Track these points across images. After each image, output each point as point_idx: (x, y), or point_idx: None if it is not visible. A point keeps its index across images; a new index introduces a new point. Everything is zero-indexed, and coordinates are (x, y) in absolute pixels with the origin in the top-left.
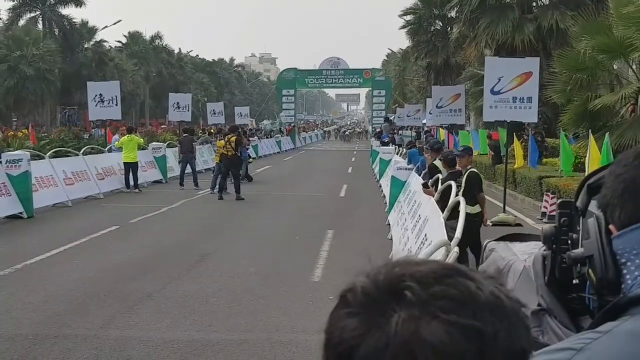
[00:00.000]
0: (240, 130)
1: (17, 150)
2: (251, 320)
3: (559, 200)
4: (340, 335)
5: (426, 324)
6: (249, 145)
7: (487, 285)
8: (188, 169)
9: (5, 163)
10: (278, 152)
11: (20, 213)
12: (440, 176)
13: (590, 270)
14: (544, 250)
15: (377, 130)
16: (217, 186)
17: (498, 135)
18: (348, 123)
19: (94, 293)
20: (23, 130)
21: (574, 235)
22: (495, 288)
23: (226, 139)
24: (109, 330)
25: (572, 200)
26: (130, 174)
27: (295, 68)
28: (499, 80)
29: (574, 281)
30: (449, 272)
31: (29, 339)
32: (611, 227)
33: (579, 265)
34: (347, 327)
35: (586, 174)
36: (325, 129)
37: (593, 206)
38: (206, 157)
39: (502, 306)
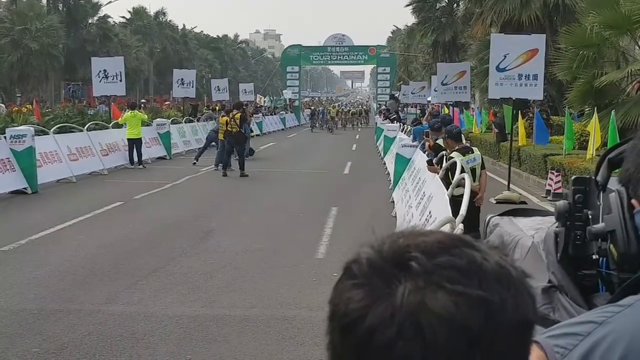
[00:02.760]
0: (244, 107)
1: (21, 125)
2: (255, 296)
3: (573, 177)
4: (345, 307)
5: (432, 294)
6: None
7: (492, 256)
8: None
9: (10, 138)
10: (282, 129)
11: (25, 188)
12: (445, 153)
13: (611, 246)
14: (557, 227)
15: (381, 107)
16: (221, 163)
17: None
18: (332, 99)
19: (98, 268)
20: (27, 106)
21: (589, 212)
22: (501, 258)
23: (230, 116)
24: (113, 306)
25: (587, 176)
26: (135, 150)
27: (300, 44)
28: (505, 57)
29: (594, 257)
30: (454, 242)
31: (34, 314)
32: (633, 201)
33: (599, 240)
34: (352, 299)
35: (589, 152)
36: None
37: (613, 182)
38: (200, 135)
39: (509, 276)
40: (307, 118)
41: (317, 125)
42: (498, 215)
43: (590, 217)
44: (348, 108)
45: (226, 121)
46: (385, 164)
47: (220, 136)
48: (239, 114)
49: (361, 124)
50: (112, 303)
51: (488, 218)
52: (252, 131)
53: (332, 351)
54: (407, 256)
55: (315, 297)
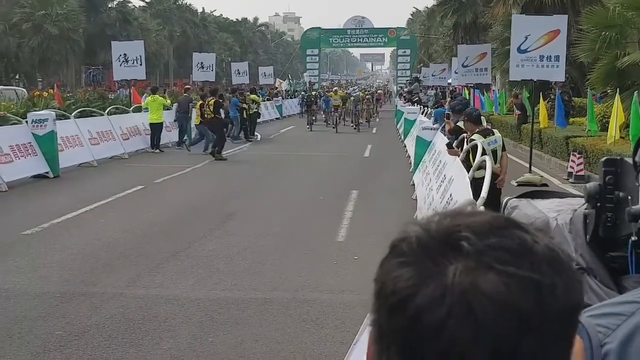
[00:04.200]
0: (222, 94)
1: (42, 110)
2: (276, 279)
3: (604, 158)
4: (393, 285)
5: (483, 275)
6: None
7: (542, 238)
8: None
9: (31, 123)
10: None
11: (47, 173)
12: (465, 136)
13: None
14: (586, 209)
15: (402, 90)
16: (205, 146)
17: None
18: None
19: (120, 252)
20: (48, 90)
21: (620, 193)
22: (550, 241)
23: (205, 102)
24: (135, 289)
25: (617, 157)
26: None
27: (320, 27)
28: (526, 38)
29: (632, 238)
30: (504, 223)
31: (57, 297)
32: None
33: (639, 221)
34: (400, 277)
35: (611, 134)
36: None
37: None
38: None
39: (559, 259)
40: (299, 106)
41: (315, 119)
42: (516, 197)
43: (623, 198)
44: (372, 89)
45: (200, 106)
46: (405, 146)
47: (197, 121)
48: (213, 100)
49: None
50: (134, 286)
51: (506, 200)
52: (259, 114)
53: (377, 329)
54: (457, 236)
55: (336, 280)
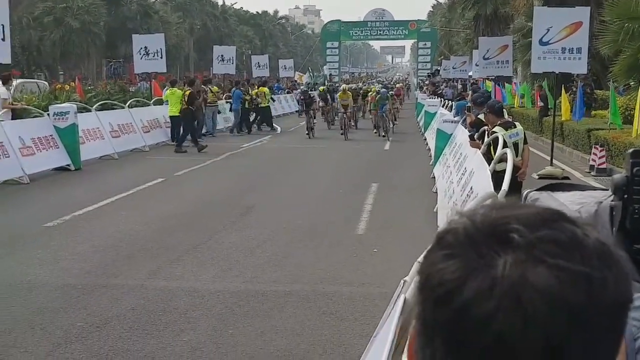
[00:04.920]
0: (204, 86)
1: (64, 103)
2: (296, 272)
3: (631, 149)
4: (439, 278)
5: (533, 268)
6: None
7: (592, 232)
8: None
9: (53, 115)
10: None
11: (68, 165)
12: (487, 128)
13: None
14: (613, 201)
15: (424, 82)
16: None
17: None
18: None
19: (141, 244)
20: (70, 83)
21: None
22: (600, 235)
23: (182, 93)
24: (155, 281)
25: None
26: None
27: (340, 20)
28: (548, 30)
29: None
30: (554, 216)
31: (78, 289)
32: None
33: None
34: (446, 269)
35: (635, 126)
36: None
37: None
38: (228, 114)
39: (609, 253)
40: (298, 104)
41: (315, 120)
42: (536, 190)
43: None
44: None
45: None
46: (425, 139)
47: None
48: (189, 91)
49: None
50: (155, 278)
51: (526, 193)
52: (272, 99)
53: (422, 321)
54: (507, 228)
55: (356, 273)
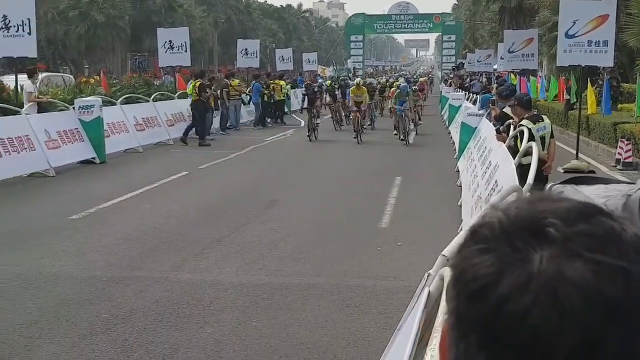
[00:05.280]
0: (214, 77)
1: (89, 96)
2: (319, 265)
3: None
4: (474, 272)
5: (570, 263)
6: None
7: (629, 226)
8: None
9: (79, 109)
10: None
11: (93, 158)
12: (512, 122)
13: None
14: None
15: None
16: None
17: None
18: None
19: (165, 237)
20: (95, 77)
21: None
22: (637, 229)
23: (192, 84)
24: (180, 273)
25: None
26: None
27: (364, 13)
28: (574, 23)
29: None
30: (590, 210)
31: (103, 281)
32: None
33: None
34: (482, 264)
35: None
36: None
37: None
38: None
39: None
40: (301, 102)
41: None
42: (560, 183)
43: None
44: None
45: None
46: (450, 133)
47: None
48: (199, 82)
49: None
50: (179, 271)
51: (550, 186)
52: (287, 94)
53: (455, 317)
54: (543, 222)
55: (380, 267)
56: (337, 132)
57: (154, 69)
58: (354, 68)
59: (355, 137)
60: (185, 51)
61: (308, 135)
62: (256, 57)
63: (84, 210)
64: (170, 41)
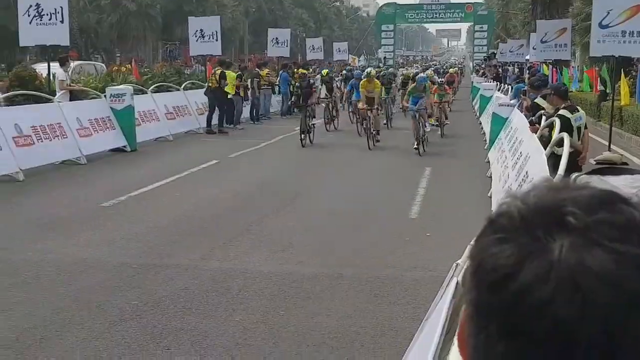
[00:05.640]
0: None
1: (120, 85)
2: (347, 255)
3: None
4: (493, 262)
5: (591, 252)
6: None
7: None
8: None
9: (110, 97)
10: None
11: (124, 147)
12: (544, 112)
13: None
14: None
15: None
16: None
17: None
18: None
19: (195, 225)
20: (126, 65)
21: None
22: None
23: (212, 72)
24: (209, 262)
25: None
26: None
27: (395, 2)
28: (608, 13)
29: None
30: (610, 198)
31: (133, 268)
32: None
33: None
34: (501, 253)
35: None
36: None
37: None
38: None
39: None
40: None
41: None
42: (586, 173)
43: None
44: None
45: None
46: (480, 123)
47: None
48: (220, 70)
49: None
50: (208, 259)
51: (574, 177)
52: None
53: (474, 307)
54: (562, 211)
55: (408, 257)
56: (330, 133)
57: (185, 58)
58: (385, 58)
59: (372, 141)
60: (216, 40)
61: (301, 139)
62: (287, 46)
63: (115, 198)
64: (201, 30)
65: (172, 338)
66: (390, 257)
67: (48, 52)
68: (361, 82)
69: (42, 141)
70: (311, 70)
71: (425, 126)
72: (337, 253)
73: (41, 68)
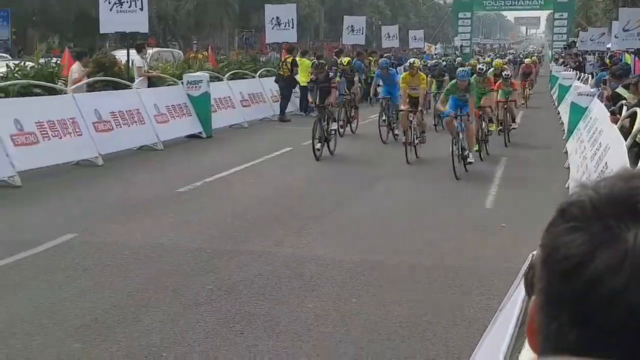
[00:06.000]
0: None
1: (197, 72)
2: (421, 244)
3: None
4: (565, 251)
5: None
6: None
7: None
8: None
9: (187, 84)
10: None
11: (200, 133)
12: (625, 102)
13: None
14: None
15: (559, 55)
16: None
17: None
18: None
19: (269, 211)
20: (203, 53)
21: None
22: None
23: (283, 59)
24: (282, 248)
25: None
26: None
27: None
28: None
29: None
30: None
31: (208, 253)
32: None
33: None
34: (573, 242)
35: None
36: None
37: None
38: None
39: None
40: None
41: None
42: None
43: None
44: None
45: (279, 65)
46: (559, 113)
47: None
48: (291, 58)
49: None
50: (281, 245)
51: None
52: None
53: (545, 296)
54: (636, 199)
55: (482, 247)
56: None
57: (261, 45)
58: (461, 46)
59: (412, 150)
60: (292, 28)
61: (317, 150)
62: (362, 33)
63: (190, 184)
64: (277, 17)
65: (245, 323)
66: (464, 247)
67: (127, 39)
68: (402, 76)
69: (120, 127)
70: (373, 60)
71: (473, 144)
72: (411, 242)
73: (120, 55)
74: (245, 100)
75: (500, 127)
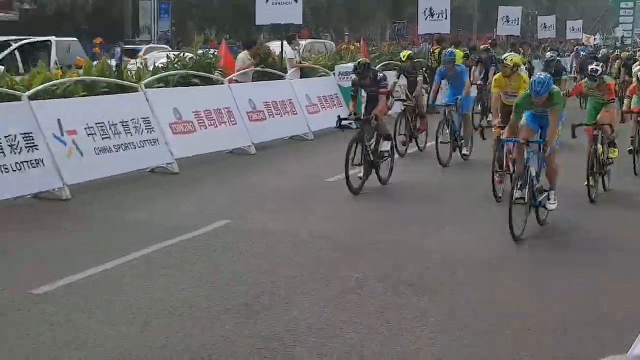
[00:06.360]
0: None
1: (349, 62)
2: (575, 237)
3: None
4: None
5: None
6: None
7: None
8: None
9: (338, 75)
10: None
11: (350, 124)
12: None
13: None
14: None
15: None
16: None
17: None
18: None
19: (416, 204)
20: (355, 44)
21: None
22: None
23: (432, 50)
24: (426, 240)
25: None
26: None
27: None
28: None
29: None
30: None
31: (356, 243)
32: None
33: None
34: None
35: None
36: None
37: None
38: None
39: None
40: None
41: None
42: None
43: None
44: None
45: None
46: None
47: None
48: (438, 49)
49: None
50: (426, 238)
51: None
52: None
53: None
54: None
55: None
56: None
57: (413, 37)
58: (622, 37)
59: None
60: (445, 18)
61: (348, 181)
62: (517, 24)
63: (340, 174)
64: (430, 8)
65: (391, 314)
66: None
67: (281, 31)
68: (495, 78)
69: (273, 117)
70: (523, 56)
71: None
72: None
73: (274, 46)
74: (396, 91)
75: (630, 147)
